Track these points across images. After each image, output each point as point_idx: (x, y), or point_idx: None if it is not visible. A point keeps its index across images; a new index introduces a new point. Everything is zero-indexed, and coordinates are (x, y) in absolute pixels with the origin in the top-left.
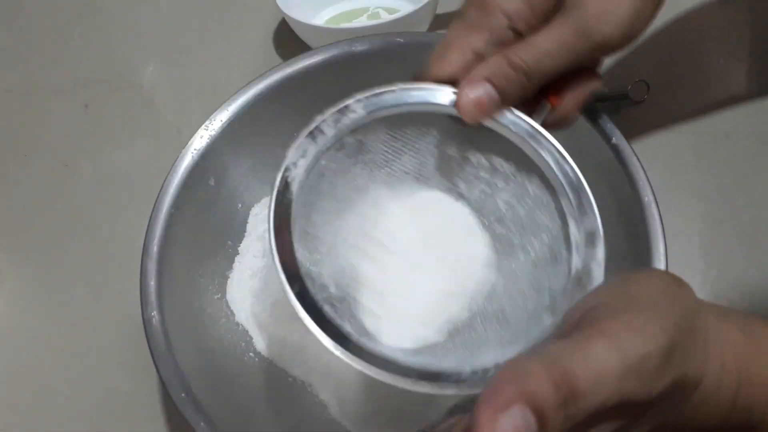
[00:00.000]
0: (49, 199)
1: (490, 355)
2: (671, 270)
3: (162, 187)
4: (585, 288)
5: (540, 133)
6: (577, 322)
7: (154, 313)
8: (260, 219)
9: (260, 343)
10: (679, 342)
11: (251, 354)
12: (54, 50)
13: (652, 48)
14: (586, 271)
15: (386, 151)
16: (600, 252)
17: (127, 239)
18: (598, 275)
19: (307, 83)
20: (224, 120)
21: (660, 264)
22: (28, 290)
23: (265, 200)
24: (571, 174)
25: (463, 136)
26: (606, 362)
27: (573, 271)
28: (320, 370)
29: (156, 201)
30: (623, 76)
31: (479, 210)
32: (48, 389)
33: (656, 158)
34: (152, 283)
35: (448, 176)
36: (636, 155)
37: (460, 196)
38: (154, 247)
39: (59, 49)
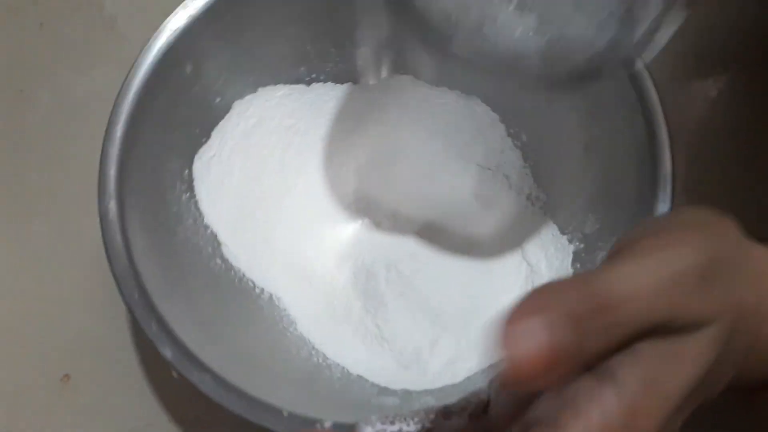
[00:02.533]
0: (2, 128)
1: None
2: None
3: (132, 66)
4: None
5: None
6: (611, 254)
7: (112, 203)
8: (242, 116)
9: (229, 250)
10: (726, 258)
11: (218, 260)
12: None
13: None
14: None
15: None
16: None
17: (88, 170)
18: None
19: None
20: None
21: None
22: None
23: (248, 97)
24: None
25: None
26: (638, 279)
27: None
28: (291, 284)
29: (124, 81)
30: None
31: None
32: (11, 332)
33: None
34: (112, 172)
35: None
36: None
37: None
38: (117, 132)
39: None
